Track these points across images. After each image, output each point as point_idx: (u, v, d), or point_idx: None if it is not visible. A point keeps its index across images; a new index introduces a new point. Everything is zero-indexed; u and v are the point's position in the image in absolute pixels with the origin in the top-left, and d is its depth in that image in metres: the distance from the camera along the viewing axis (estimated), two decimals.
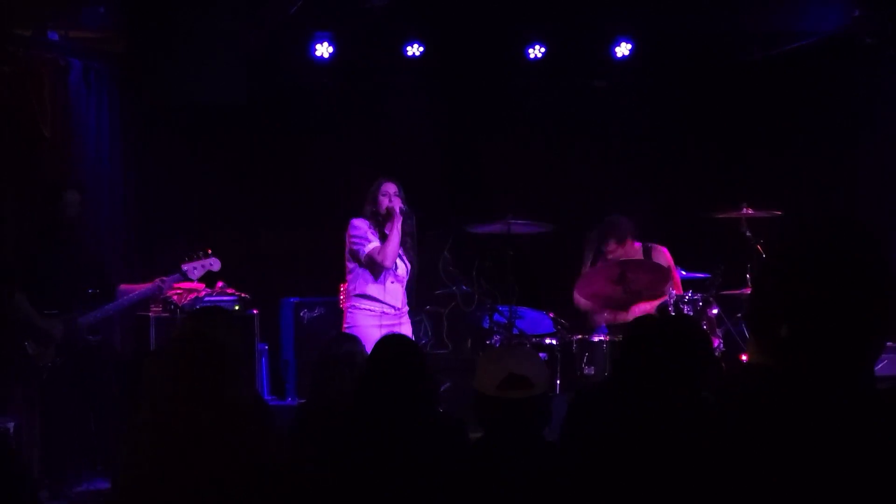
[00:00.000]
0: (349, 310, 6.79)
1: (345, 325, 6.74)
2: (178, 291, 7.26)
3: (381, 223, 6.71)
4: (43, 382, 6.60)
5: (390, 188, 6.74)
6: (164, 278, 6.84)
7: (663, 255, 7.63)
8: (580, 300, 7.66)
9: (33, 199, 7.33)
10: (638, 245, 7.65)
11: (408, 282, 6.94)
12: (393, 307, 6.75)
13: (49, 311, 6.59)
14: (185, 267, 6.86)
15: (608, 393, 4.37)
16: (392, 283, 6.73)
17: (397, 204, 6.67)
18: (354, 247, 6.73)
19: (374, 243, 6.67)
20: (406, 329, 6.81)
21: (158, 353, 3.09)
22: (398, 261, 6.76)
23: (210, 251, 6.97)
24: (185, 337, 3.26)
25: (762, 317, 1.95)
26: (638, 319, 4.71)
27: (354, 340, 5.20)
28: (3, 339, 6.79)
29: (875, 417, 1.88)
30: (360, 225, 6.73)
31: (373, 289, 6.71)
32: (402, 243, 6.77)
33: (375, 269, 6.69)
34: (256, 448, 2.88)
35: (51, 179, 7.25)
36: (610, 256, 7.51)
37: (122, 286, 6.87)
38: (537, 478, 3.40)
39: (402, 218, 6.63)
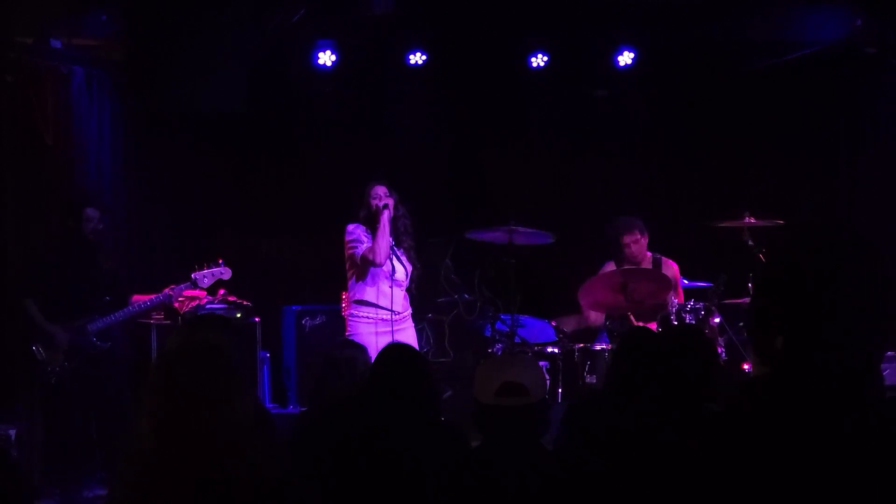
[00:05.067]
0: (349, 318, 6.84)
1: (346, 334, 6.76)
2: (181, 298, 7.27)
3: (374, 225, 6.72)
4: (50, 387, 6.67)
5: (380, 190, 6.81)
6: (175, 287, 6.89)
7: (672, 269, 7.65)
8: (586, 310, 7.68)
9: (48, 212, 7.39)
10: (649, 254, 7.67)
11: (410, 284, 6.95)
12: (391, 311, 6.75)
13: (64, 321, 6.64)
14: (195, 275, 6.93)
15: (604, 401, 4.37)
16: (389, 286, 6.73)
17: (382, 201, 6.70)
18: (350, 251, 6.79)
19: (367, 244, 6.71)
20: (407, 334, 6.80)
21: (160, 360, 3.07)
22: (396, 264, 6.76)
23: (221, 260, 7.03)
24: (188, 345, 3.24)
25: (760, 329, 1.97)
26: (631, 331, 4.72)
27: (358, 347, 5.19)
28: (11, 344, 6.86)
29: (881, 424, 1.88)
30: (354, 230, 6.80)
31: (369, 293, 6.74)
32: (399, 243, 6.80)
33: (371, 270, 6.70)
34: (257, 458, 2.87)
35: (69, 196, 7.30)
36: (632, 248, 7.54)
37: (135, 297, 6.92)
38: (536, 485, 3.39)
39: (387, 212, 6.66)
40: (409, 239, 6.90)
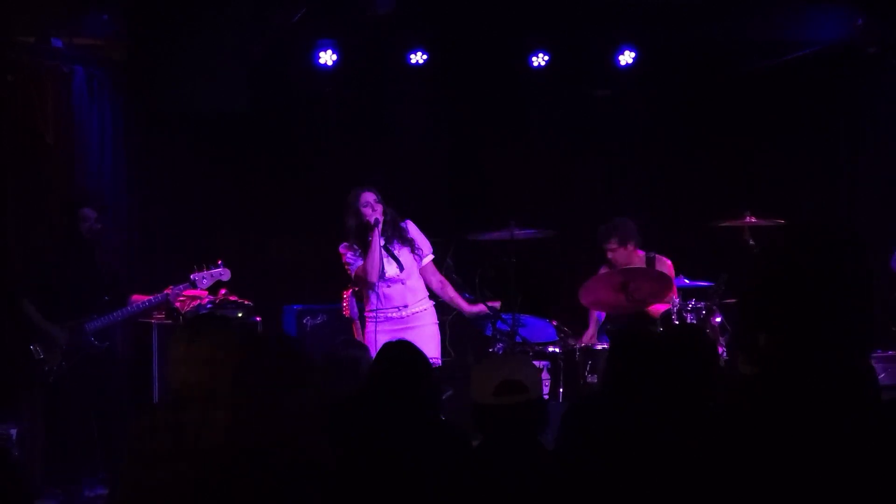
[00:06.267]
0: (367, 321, 6.91)
1: (359, 337, 6.90)
2: (182, 298, 7.29)
3: (364, 237, 6.74)
4: (49, 387, 6.67)
5: (370, 197, 6.80)
6: (174, 287, 6.91)
7: (666, 267, 7.65)
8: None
9: (48, 212, 7.40)
10: (641, 253, 7.67)
11: (420, 266, 6.97)
12: (397, 308, 6.81)
13: (63, 321, 6.65)
14: (194, 276, 6.97)
15: (604, 401, 4.38)
16: (388, 287, 6.79)
17: (373, 216, 6.71)
18: (347, 271, 6.89)
19: (358, 263, 6.79)
20: (420, 332, 6.74)
21: (250, 347, 3.16)
22: (387, 264, 6.77)
23: (220, 261, 7.08)
24: (272, 335, 3.32)
25: (745, 328, 1.98)
26: (623, 329, 4.72)
27: (361, 347, 5.19)
28: (10, 345, 6.87)
29: (880, 424, 1.88)
30: (344, 251, 6.88)
31: (374, 300, 6.83)
32: (390, 244, 6.82)
33: (368, 284, 6.78)
34: (317, 444, 2.98)
35: (67, 196, 7.30)
36: (609, 255, 7.56)
37: (133, 297, 6.93)
38: (536, 485, 3.39)
39: (377, 229, 6.68)
40: (401, 233, 6.90)
